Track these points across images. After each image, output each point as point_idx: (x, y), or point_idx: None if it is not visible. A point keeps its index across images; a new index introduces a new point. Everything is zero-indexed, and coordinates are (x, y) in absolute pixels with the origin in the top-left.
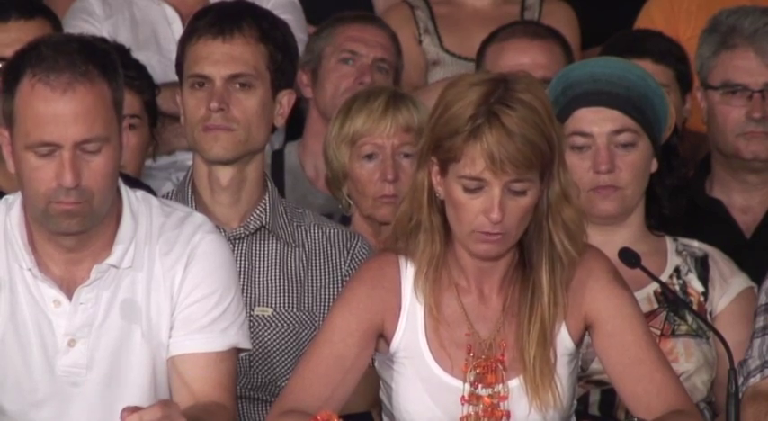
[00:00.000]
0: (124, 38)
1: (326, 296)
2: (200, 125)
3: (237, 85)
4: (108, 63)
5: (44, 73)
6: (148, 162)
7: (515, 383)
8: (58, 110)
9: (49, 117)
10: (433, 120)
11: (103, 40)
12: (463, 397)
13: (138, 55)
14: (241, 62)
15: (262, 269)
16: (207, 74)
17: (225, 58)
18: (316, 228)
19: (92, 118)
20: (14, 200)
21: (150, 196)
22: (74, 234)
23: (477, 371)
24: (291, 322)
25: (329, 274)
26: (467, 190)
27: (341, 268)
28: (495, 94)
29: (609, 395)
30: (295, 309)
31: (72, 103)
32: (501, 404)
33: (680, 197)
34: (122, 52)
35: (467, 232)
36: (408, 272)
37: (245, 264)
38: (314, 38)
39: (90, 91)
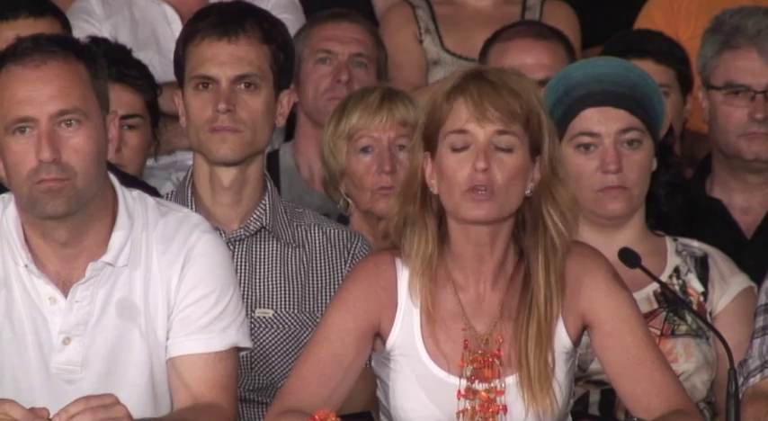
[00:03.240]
0: (124, 38)
1: (327, 297)
2: (207, 126)
3: (243, 86)
4: (87, 52)
5: (19, 58)
6: (150, 162)
7: (512, 379)
8: (32, 84)
9: (23, 93)
10: (423, 115)
11: (105, 40)
12: (459, 391)
13: (138, 55)
14: (246, 63)
15: (262, 270)
16: (213, 75)
17: (230, 58)
18: (316, 229)
19: (66, 91)
20: (11, 198)
21: (146, 195)
22: (61, 217)
23: (474, 366)
24: (292, 323)
25: (330, 275)
26: (454, 150)
27: (341, 269)
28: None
29: (609, 395)
30: (296, 311)
31: (45, 76)
32: (497, 399)
33: (676, 195)
34: (123, 52)
35: (458, 195)
36: (404, 270)
37: (245, 265)
38: (293, 42)
39: (64, 67)
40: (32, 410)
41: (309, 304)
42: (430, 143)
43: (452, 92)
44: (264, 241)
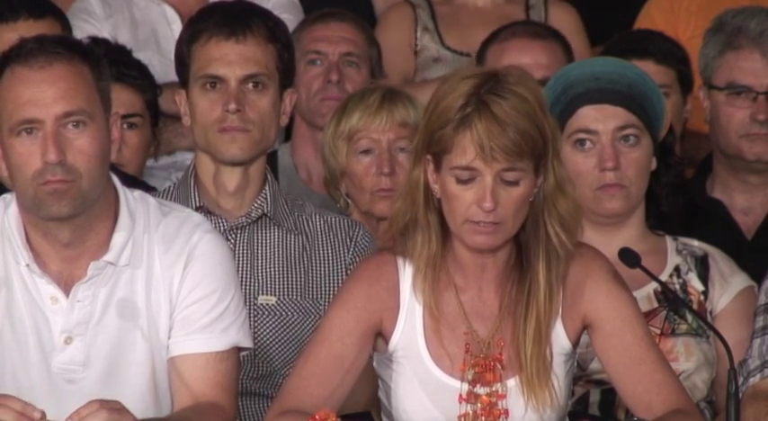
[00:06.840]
0: (124, 38)
1: (330, 284)
2: (216, 126)
3: (251, 86)
4: (90, 54)
5: (24, 58)
6: (150, 162)
7: (513, 382)
8: (38, 86)
9: (29, 94)
10: (426, 116)
11: (105, 40)
12: (461, 395)
13: (138, 55)
14: (254, 62)
15: (265, 257)
16: (221, 75)
17: (239, 58)
18: (317, 217)
19: (72, 92)
20: (12, 198)
21: (147, 195)
22: (65, 219)
23: (476, 370)
24: (296, 310)
25: (332, 262)
26: (459, 181)
27: (344, 256)
28: (486, 86)
29: (609, 395)
30: (299, 298)
31: (51, 78)
32: (499, 403)
33: (677, 195)
34: (124, 52)
35: (460, 223)
36: (407, 271)
37: (247, 252)
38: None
39: (69, 68)
40: (28, 407)
41: (312, 291)
42: (431, 151)
43: (458, 125)
44: (266, 228)
